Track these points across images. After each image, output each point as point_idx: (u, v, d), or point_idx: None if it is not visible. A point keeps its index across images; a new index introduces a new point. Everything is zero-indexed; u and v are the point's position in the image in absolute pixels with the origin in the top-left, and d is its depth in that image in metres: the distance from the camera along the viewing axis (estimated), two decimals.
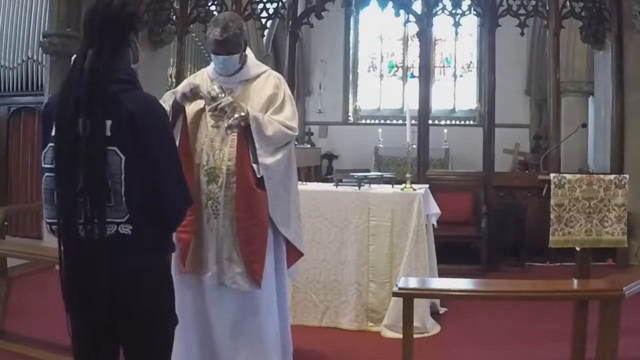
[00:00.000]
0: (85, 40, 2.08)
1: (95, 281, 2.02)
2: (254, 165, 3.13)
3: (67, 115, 2.00)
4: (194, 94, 3.07)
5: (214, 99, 3.04)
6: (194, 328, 3.26)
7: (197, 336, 3.27)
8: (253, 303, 3.20)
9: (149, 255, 2.09)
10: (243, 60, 3.26)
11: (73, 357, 2.19)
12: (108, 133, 1.98)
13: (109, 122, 1.98)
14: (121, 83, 2.04)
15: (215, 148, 3.18)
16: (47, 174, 2.06)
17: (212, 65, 3.34)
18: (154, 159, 2.04)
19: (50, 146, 2.05)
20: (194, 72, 3.44)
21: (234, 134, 3.11)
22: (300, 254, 3.45)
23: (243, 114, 3.03)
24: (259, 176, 3.13)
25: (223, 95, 3.06)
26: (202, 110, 3.23)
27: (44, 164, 2.07)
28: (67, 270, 2.08)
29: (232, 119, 3.00)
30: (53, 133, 2.04)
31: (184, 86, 3.20)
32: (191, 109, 3.22)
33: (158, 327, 2.15)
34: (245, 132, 3.09)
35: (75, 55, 2.09)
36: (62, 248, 2.06)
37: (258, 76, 3.29)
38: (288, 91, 3.31)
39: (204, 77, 3.34)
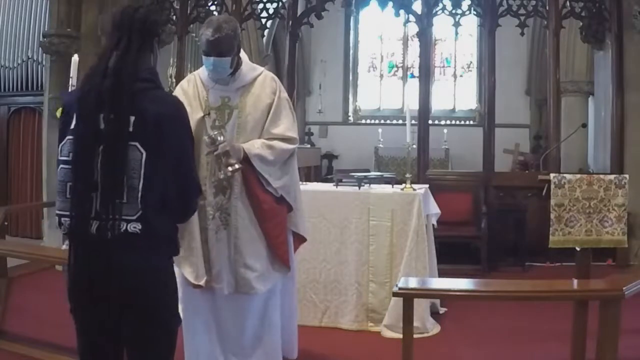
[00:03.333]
0: (112, 40, 2.14)
1: (101, 278, 2.03)
2: (269, 189, 3.17)
3: (89, 109, 2.06)
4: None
5: (213, 141, 3.03)
6: (207, 329, 3.30)
7: (210, 337, 3.31)
8: (255, 302, 3.25)
9: (156, 254, 2.11)
10: (237, 65, 3.19)
11: (78, 357, 2.20)
12: (130, 129, 2.03)
13: (132, 118, 2.04)
14: (145, 82, 2.11)
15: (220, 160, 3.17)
16: (62, 166, 2.11)
17: (203, 69, 3.26)
18: (175, 154, 2.11)
19: (69, 139, 2.10)
20: (194, 72, 3.40)
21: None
22: (304, 239, 3.56)
23: (237, 166, 3.02)
24: (278, 196, 3.20)
25: (221, 138, 3.04)
26: (203, 120, 3.19)
27: (61, 156, 2.12)
28: (75, 266, 2.09)
29: (228, 168, 3.02)
30: (72, 126, 2.09)
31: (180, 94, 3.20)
32: (192, 119, 3.21)
33: (163, 326, 2.16)
34: (249, 163, 3.11)
35: (100, 54, 2.16)
36: (71, 243, 2.09)
37: (254, 80, 3.24)
38: (284, 94, 3.27)
39: (196, 82, 3.28)
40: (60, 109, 2.26)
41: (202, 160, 3.17)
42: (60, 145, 2.13)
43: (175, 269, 3.28)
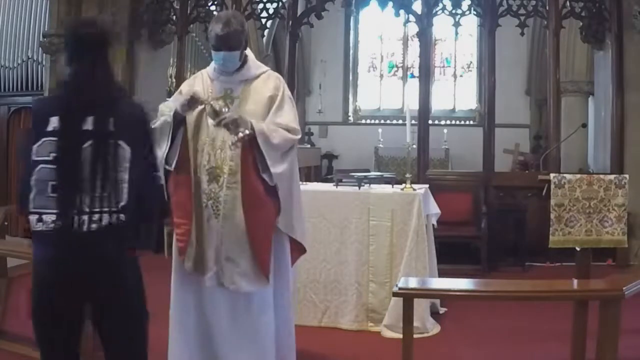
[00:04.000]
0: (87, 53, 2.30)
1: (88, 274, 2.16)
2: (264, 175, 3.14)
3: (73, 112, 2.23)
4: (192, 103, 3.07)
5: (216, 113, 3.03)
6: (194, 329, 3.27)
7: (197, 336, 3.27)
8: (249, 303, 3.21)
9: (139, 246, 2.29)
10: (244, 60, 3.25)
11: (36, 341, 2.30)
12: (114, 129, 2.25)
13: (114, 120, 2.25)
14: (120, 90, 2.42)
15: (216, 148, 3.18)
16: (42, 166, 2.20)
17: (211, 65, 3.32)
18: (143, 154, 2.33)
19: (46, 140, 2.20)
20: (194, 72, 3.43)
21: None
22: (304, 250, 3.47)
23: (248, 131, 3.02)
24: (272, 184, 3.16)
25: (226, 110, 3.04)
26: (203, 110, 3.22)
27: (38, 157, 2.21)
28: (53, 264, 2.18)
29: (237, 135, 3.01)
30: (51, 129, 2.20)
31: (185, 92, 3.20)
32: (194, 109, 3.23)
33: (140, 318, 2.32)
34: (250, 143, 3.08)
35: (73, 68, 2.32)
36: (47, 241, 2.18)
37: (258, 76, 3.29)
38: (288, 91, 3.31)
39: (203, 79, 3.33)
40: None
41: (199, 147, 3.19)
42: (35, 146, 2.22)
43: (173, 261, 3.31)
